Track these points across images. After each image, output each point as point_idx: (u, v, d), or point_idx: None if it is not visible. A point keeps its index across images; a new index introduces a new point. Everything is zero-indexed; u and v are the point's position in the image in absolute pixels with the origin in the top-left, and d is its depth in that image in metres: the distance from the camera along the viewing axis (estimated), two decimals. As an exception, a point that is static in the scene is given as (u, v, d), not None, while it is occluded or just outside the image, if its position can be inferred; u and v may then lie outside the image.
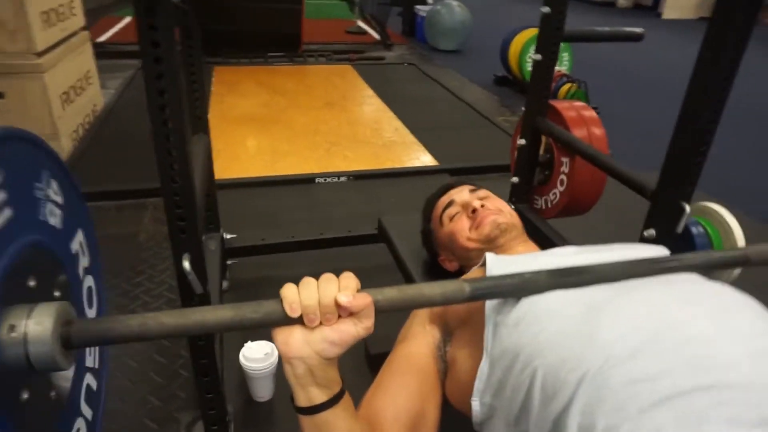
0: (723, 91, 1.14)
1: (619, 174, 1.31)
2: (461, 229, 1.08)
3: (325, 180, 2.79)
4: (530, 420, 0.66)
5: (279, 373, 1.50)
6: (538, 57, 1.94)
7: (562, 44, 4.35)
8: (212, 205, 1.78)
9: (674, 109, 1.10)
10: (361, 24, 7.09)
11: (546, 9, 1.85)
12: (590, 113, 2.34)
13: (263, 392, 1.49)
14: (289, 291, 0.63)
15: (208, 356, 1.11)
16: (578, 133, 2.09)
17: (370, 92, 4.30)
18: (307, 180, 2.78)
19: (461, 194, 1.14)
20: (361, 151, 3.19)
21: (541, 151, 1.89)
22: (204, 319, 0.61)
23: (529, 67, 4.45)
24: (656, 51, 6.68)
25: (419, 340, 0.91)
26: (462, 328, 0.87)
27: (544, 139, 1.90)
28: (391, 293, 0.67)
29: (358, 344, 0.67)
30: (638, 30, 1.99)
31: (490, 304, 0.79)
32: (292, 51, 5.27)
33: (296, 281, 0.64)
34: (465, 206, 1.11)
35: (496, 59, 4.74)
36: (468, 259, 1.07)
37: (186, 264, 1.04)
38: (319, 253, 2.02)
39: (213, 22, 4.40)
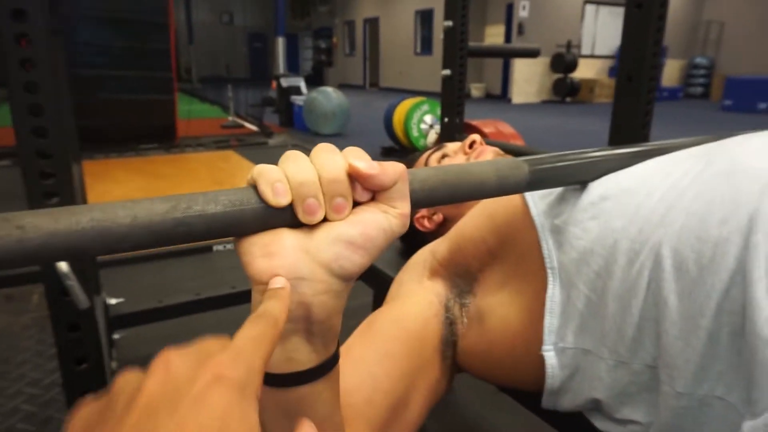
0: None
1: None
2: (459, 162, 0.85)
3: (224, 247, 2.43)
4: (664, 328, 0.43)
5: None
6: (448, 72, 1.89)
7: (426, 104, 4.57)
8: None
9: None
10: (236, 119, 6.99)
11: (449, 23, 1.83)
12: (504, 125, 2.39)
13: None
14: (265, 168, 0.36)
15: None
16: (487, 129, 2.15)
17: (259, 170, 4.08)
18: (204, 249, 2.41)
19: (451, 144, 0.93)
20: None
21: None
22: (111, 220, 0.31)
23: (415, 132, 4.57)
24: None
25: (415, 300, 0.63)
26: (492, 262, 0.62)
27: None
28: (426, 174, 0.43)
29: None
30: (535, 46, 2.04)
31: (537, 209, 0.57)
32: (167, 141, 4.96)
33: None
34: (458, 149, 0.89)
35: (379, 137, 4.82)
36: (459, 204, 0.84)
37: (62, 264, 0.70)
38: (234, 314, 1.65)
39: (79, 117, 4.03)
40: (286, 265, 0.34)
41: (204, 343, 0.26)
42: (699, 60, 12.89)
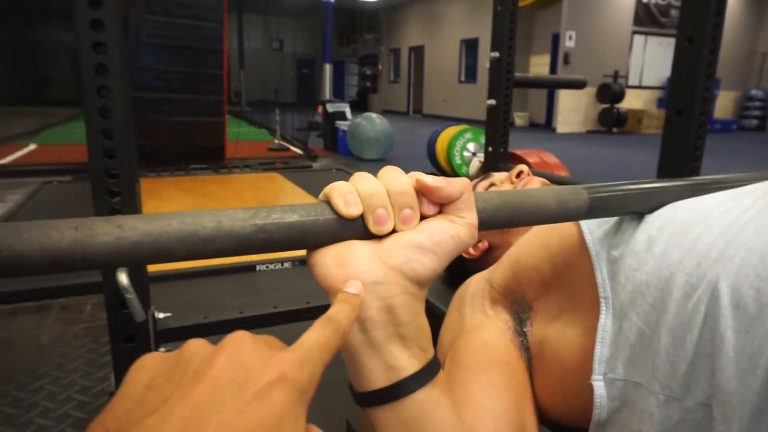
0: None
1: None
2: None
3: (267, 267, 2.49)
4: (720, 365, 0.42)
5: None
6: (493, 102, 1.91)
7: (470, 132, 4.58)
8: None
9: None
10: (282, 142, 7.18)
11: (495, 54, 1.85)
12: (548, 155, 2.39)
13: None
14: (337, 183, 0.39)
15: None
16: (531, 159, 2.15)
17: (302, 192, 4.17)
18: (248, 268, 2.47)
19: (498, 174, 0.95)
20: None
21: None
22: (198, 224, 0.33)
23: (457, 160, 4.58)
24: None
25: (488, 329, 0.63)
26: (547, 293, 0.62)
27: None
28: (487, 195, 0.44)
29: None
30: (582, 78, 2.04)
31: (593, 237, 0.57)
32: (216, 162, 5.14)
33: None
34: (504, 179, 0.91)
35: (421, 163, 4.86)
36: (509, 229, 0.85)
37: (123, 278, 0.74)
38: (276, 333, 1.67)
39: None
40: (360, 271, 0.36)
41: (271, 338, 0.27)
42: (754, 92, 12.47)
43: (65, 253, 0.30)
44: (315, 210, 0.37)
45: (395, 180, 0.38)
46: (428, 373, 0.38)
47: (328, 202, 0.37)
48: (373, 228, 0.37)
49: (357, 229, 0.37)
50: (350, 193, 0.37)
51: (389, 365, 0.37)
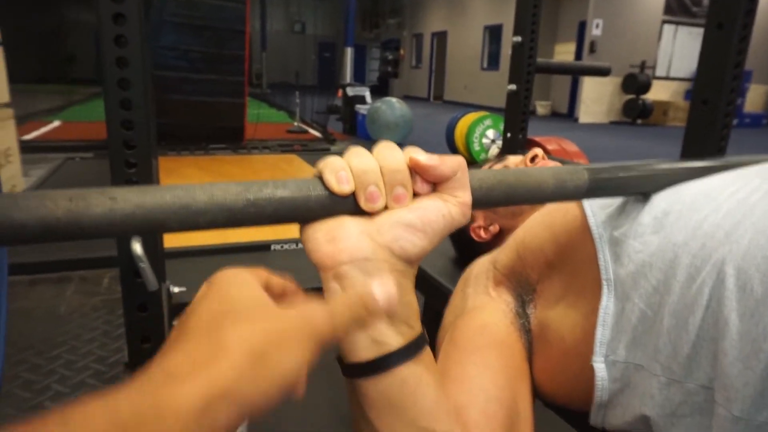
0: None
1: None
2: None
3: (281, 247, 2.51)
4: (723, 348, 0.42)
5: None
6: (513, 87, 1.88)
7: (489, 119, 4.53)
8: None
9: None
10: (301, 125, 7.18)
11: (517, 38, 1.82)
12: (567, 143, 2.36)
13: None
14: (330, 158, 0.38)
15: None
16: (550, 146, 2.12)
17: (319, 175, 4.18)
18: (262, 247, 2.49)
19: (513, 157, 0.94)
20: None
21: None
22: (191, 197, 0.34)
23: (476, 146, 4.55)
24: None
25: (490, 310, 0.63)
26: (551, 274, 0.61)
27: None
28: (484, 174, 0.44)
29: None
30: (606, 65, 2.00)
31: (596, 219, 0.56)
32: (235, 143, 5.18)
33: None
34: (519, 162, 0.90)
35: (440, 149, 4.83)
36: (520, 213, 0.84)
37: (137, 247, 0.75)
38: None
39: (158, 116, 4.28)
40: (349, 247, 0.36)
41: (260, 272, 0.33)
42: (787, 86, 12.12)
43: (60, 223, 0.31)
44: (307, 186, 0.37)
45: (390, 157, 0.37)
46: (413, 349, 0.38)
47: (321, 178, 0.37)
48: (365, 205, 0.37)
49: (348, 205, 0.37)
50: (343, 170, 0.37)
51: (375, 340, 0.37)
